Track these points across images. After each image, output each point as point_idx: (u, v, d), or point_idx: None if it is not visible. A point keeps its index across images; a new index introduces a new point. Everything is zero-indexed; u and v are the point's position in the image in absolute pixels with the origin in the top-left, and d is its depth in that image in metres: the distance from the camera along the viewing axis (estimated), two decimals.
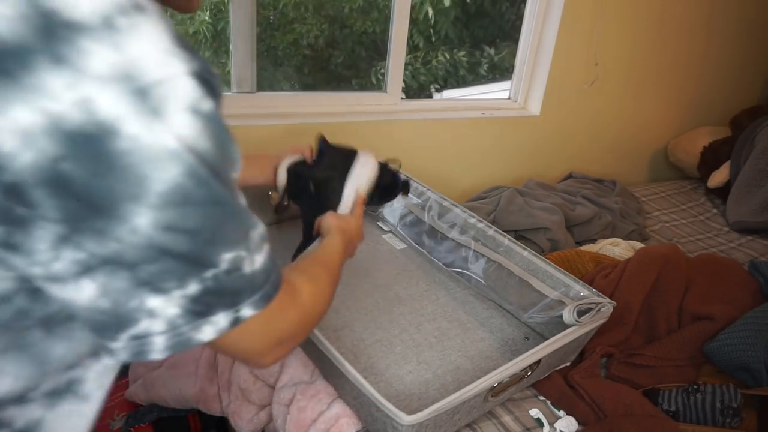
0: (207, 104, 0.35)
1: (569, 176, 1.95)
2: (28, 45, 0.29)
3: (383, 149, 1.52)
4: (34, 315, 0.38)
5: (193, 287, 0.37)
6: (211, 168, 0.35)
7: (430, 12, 2.50)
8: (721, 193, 1.93)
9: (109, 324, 0.37)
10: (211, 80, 0.35)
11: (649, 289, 1.13)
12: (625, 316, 1.08)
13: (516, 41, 1.76)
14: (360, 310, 1.04)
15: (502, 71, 2.69)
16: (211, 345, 0.43)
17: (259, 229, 0.43)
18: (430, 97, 2.86)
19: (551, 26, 1.68)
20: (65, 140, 0.30)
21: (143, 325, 0.37)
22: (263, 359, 0.48)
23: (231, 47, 1.33)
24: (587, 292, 0.97)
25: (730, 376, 1.02)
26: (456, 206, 1.21)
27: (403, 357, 0.94)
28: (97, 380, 0.45)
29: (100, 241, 0.33)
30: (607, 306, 0.93)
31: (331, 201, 0.93)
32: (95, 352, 0.44)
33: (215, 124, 0.36)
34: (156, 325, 0.38)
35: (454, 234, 1.19)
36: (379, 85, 2.42)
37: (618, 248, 1.38)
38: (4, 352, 0.38)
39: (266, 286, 0.43)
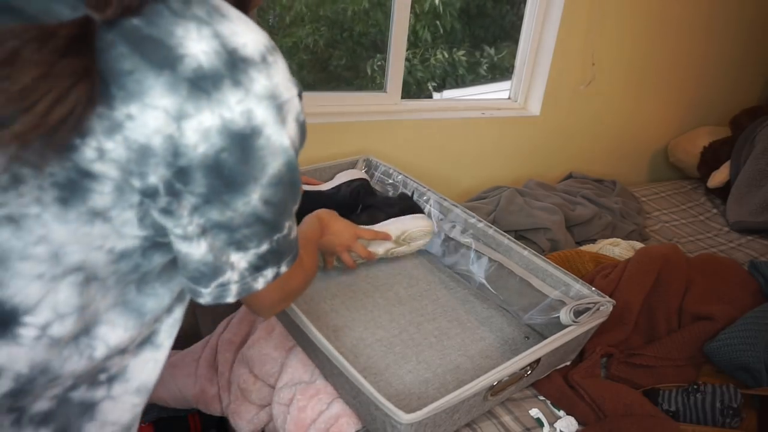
0: (302, 114, 0.48)
1: (569, 176, 1.95)
2: (219, 72, 0.41)
3: (383, 149, 1.53)
4: (140, 270, 0.48)
5: (264, 247, 0.49)
6: (296, 158, 0.48)
7: (437, 0, 2.45)
8: (721, 193, 1.93)
9: (207, 274, 0.48)
10: (302, 97, 0.48)
11: (649, 289, 1.13)
12: (625, 316, 1.08)
13: (516, 41, 1.77)
14: (360, 310, 1.04)
15: (502, 71, 2.69)
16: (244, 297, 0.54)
17: (297, 205, 0.53)
18: (428, 96, 2.86)
19: (551, 26, 1.68)
20: (230, 137, 0.42)
21: (227, 276, 0.49)
22: (272, 309, 0.62)
23: None
24: (587, 291, 0.97)
25: (730, 376, 1.02)
26: (456, 206, 1.21)
27: (402, 356, 0.94)
28: (167, 331, 0.56)
29: (221, 210, 0.44)
30: (606, 305, 0.93)
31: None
32: (170, 308, 0.54)
33: (303, 128, 0.49)
34: (234, 276, 0.49)
35: (454, 234, 1.19)
36: (373, 78, 2.41)
37: (618, 248, 1.37)
38: (114, 306, 0.48)
39: (295, 250, 0.55)
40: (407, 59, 1.49)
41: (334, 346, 0.79)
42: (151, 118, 0.39)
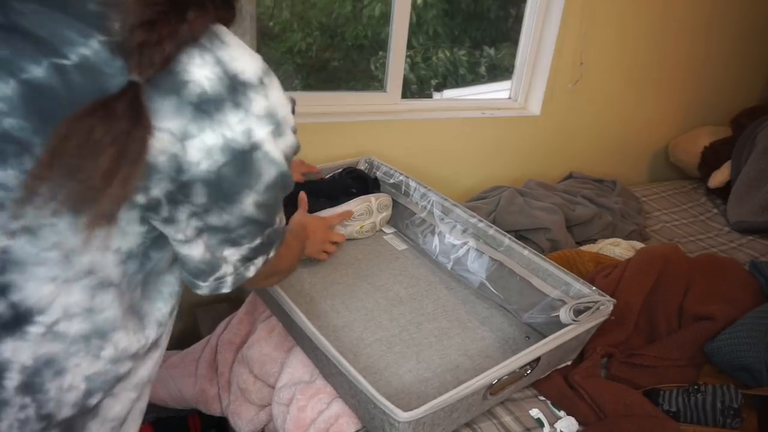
0: (295, 125, 0.52)
1: (569, 176, 1.95)
2: (221, 95, 0.44)
3: (383, 149, 1.53)
4: (144, 269, 0.51)
5: (257, 241, 0.53)
6: (288, 164, 0.51)
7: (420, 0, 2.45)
8: (722, 193, 1.93)
9: (205, 270, 0.53)
10: (295, 110, 0.52)
11: (649, 289, 1.13)
12: (626, 316, 1.08)
13: (516, 41, 1.76)
14: (360, 310, 1.04)
15: (502, 71, 2.68)
16: None
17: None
18: (428, 95, 2.85)
19: (551, 26, 1.68)
20: (231, 154, 0.45)
21: (222, 270, 0.53)
22: (258, 284, 0.67)
23: None
24: (588, 291, 0.97)
25: (730, 376, 1.02)
26: (457, 206, 1.20)
27: (402, 356, 0.94)
28: (167, 332, 0.59)
29: (219, 215, 0.48)
30: (606, 304, 0.92)
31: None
32: (171, 311, 0.58)
33: (295, 137, 0.52)
34: (228, 269, 0.53)
35: (455, 234, 1.19)
36: (376, 76, 2.41)
37: (618, 248, 1.37)
38: (127, 311, 0.51)
39: (282, 236, 0.59)
40: (410, 57, 1.48)
41: (333, 346, 0.79)
42: (156, 139, 0.42)
